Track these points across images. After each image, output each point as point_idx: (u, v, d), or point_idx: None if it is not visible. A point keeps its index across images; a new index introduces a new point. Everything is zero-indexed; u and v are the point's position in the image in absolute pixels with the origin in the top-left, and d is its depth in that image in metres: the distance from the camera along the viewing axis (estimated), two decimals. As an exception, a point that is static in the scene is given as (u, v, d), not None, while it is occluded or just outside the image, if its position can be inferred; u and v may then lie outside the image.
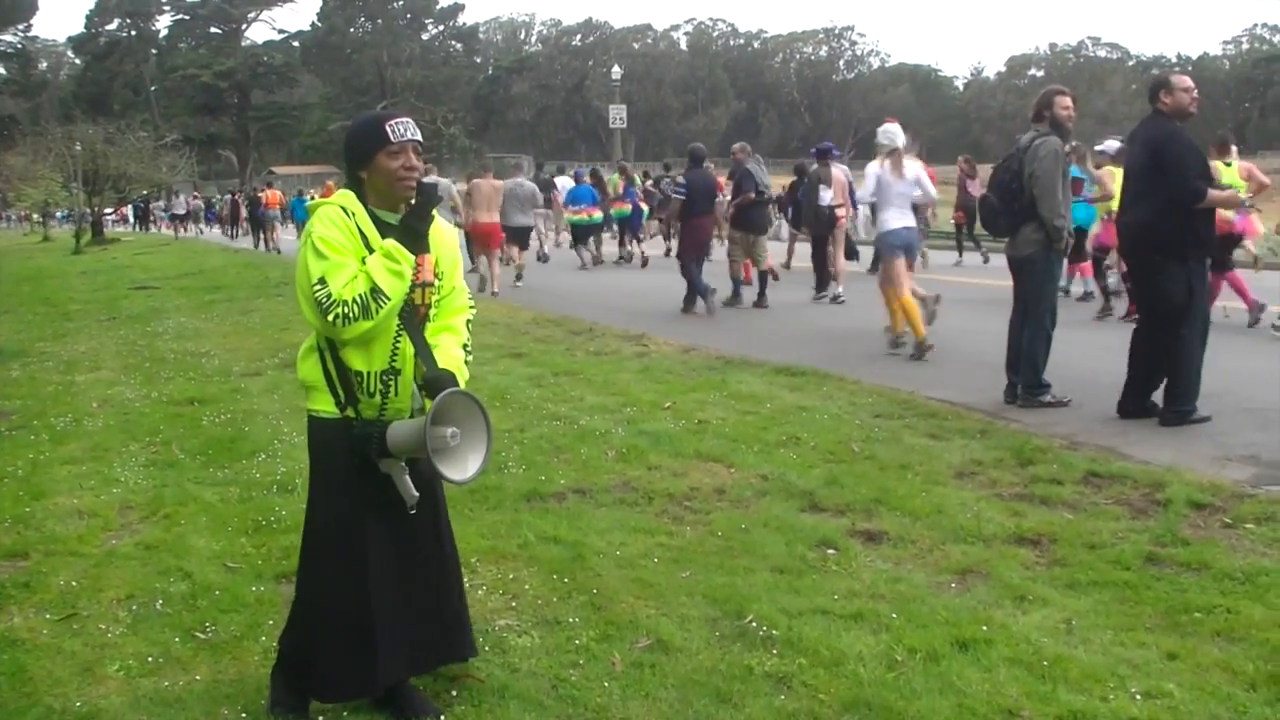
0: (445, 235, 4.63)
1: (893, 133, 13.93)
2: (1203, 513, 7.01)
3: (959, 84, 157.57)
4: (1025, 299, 10.46)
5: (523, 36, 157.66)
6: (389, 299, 4.21)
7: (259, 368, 13.53)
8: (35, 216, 74.41)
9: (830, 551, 6.51)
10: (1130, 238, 9.89)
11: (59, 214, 71.37)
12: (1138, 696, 4.66)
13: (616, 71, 69.57)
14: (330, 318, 4.15)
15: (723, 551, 6.55)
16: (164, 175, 59.71)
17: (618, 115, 60.44)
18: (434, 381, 4.34)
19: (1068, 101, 10.24)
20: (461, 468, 4.28)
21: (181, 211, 63.76)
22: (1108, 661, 4.99)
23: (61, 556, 6.87)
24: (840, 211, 19.21)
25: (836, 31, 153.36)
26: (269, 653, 5.22)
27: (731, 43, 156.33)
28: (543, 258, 29.42)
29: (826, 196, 19.11)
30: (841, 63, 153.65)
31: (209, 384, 12.59)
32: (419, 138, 4.43)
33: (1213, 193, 9.42)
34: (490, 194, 22.19)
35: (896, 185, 13.40)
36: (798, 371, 11.72)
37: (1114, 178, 15.01)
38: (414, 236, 4.32)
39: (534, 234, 26.73)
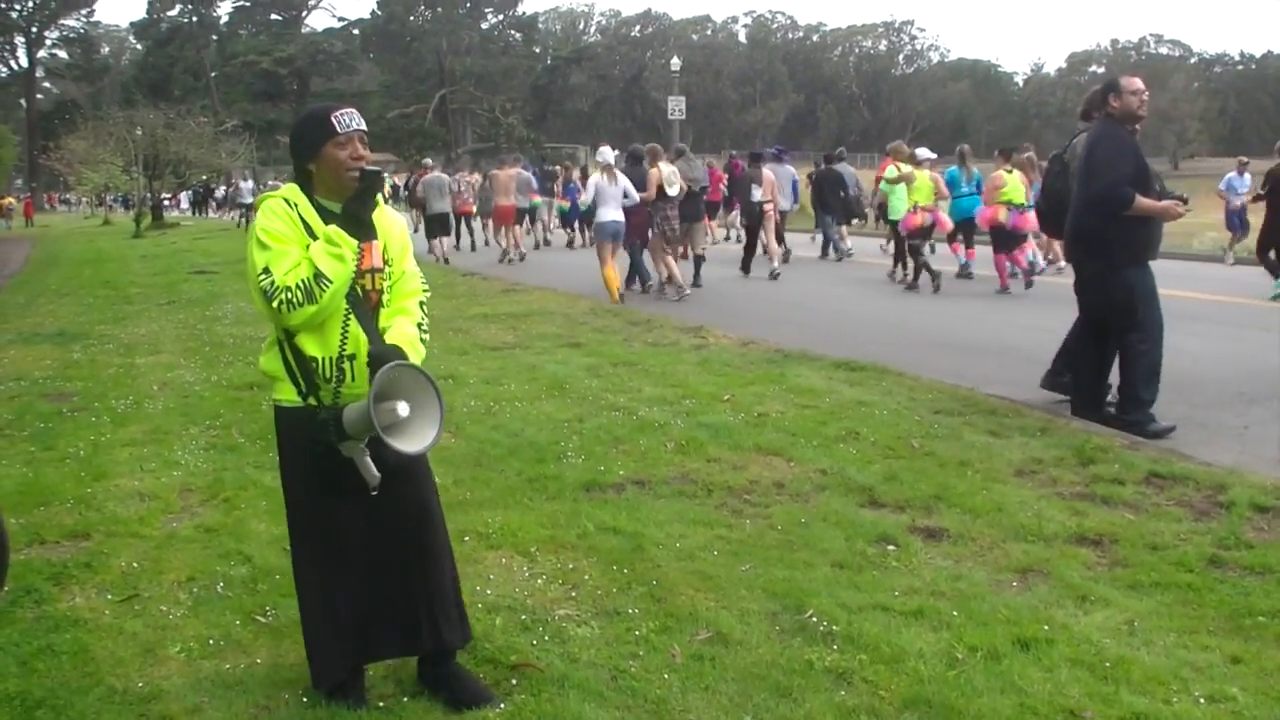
0: (393, 222, 4.71)
1: (605, 153, 19.58)
2: (1266, 515, 6.92)
3: (1019, 80, 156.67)
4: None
5: (581, 27, 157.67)
6: (331, 282, 4.26)
7: (317, 354, 13.56)
8: (86, 200, 74.87)
9: (890, 548, 6.48)
10: (1068, 242, 9.69)
11: (110, 198, 71.52)
12: (1201, 700, 4.62)
13: (676, 62, 69.52)
14: (275, 304, 4.23)
15: (782, 545, 6.53)
16: (223, 161, 60.05)
17: (676, 106, 60.27)
18: (376, 358, 4.35)
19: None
20: (420, 438, 4.29)
21: (248, 201, 51.39)
22: (1171, 664, 4.95)
23: (122, 538, 6.93)
24: (768, 207, 22.97)
25: (896, 25, 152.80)
26: (329, 639, 5.27)
27: (790, 35, 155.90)
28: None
29: (757, 194, 22.72)
30: (901, 57, 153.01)
31: (268, 369, 12.63)
32: (364, 128, 4.51)
33: (1145, 200, 9.00)
34: (505, 181, 28.51)
35: (609, 191, 18.82)
36: (857, 366, 11.65)
37: (919, 178, 20.11)
38: (355, 221, 4.38)
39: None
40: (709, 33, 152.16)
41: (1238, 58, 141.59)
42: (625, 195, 18.76)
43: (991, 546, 6.49)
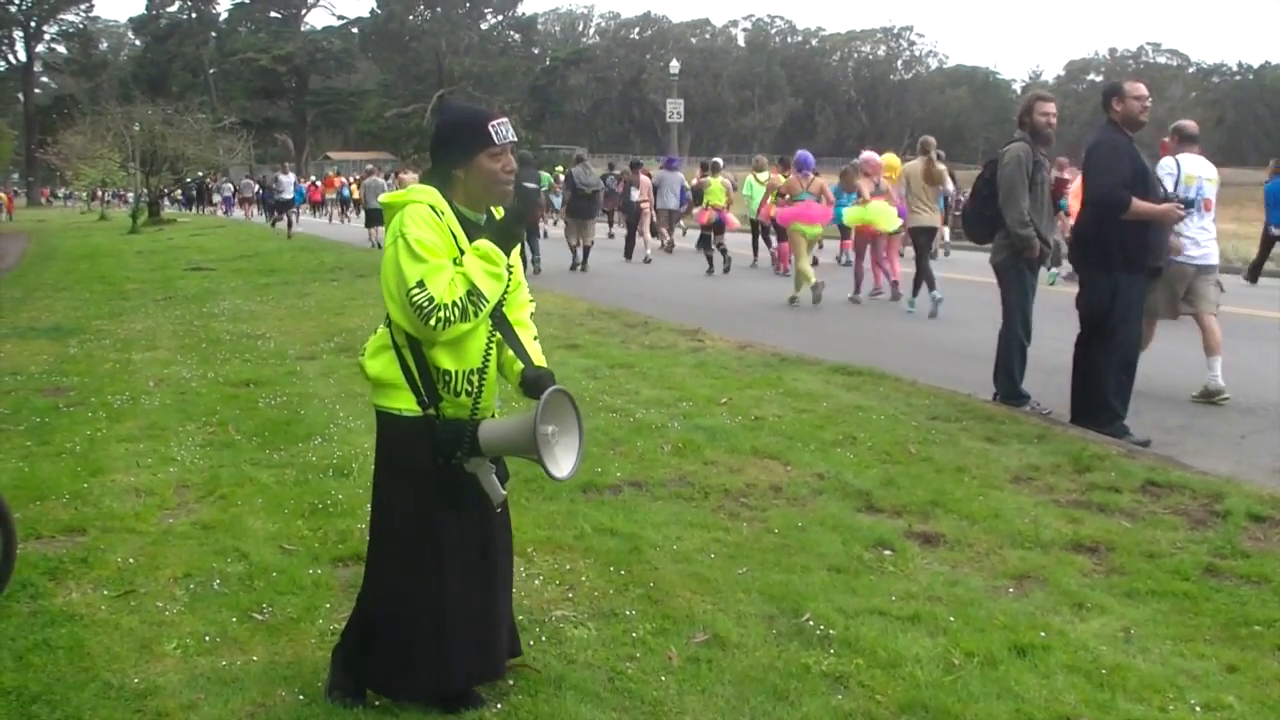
0: None
1: (370, 166, 28.46)
2: (1262, 525, 6.93)
3: (1016, 87, 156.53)
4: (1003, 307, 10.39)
5: (581, 28, 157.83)
6: (488, 301, 4.22)
7: (314, 351, 13.57)
8: (83, 195, 74.79)
9: (887, 552, 6.48)
10: (1071, 247, 9.69)
11: (105, 194, 71.22)
12: (1197, 708, 4.62)
13: (675, 65, 69.31)
14: (432, 321, 4.11)
15: (779, 549, 6.52)
16: (220, 157, 60.01)
17: (675, 109, 60.21)
18: (535, 380, 4.33)
19: (1048, 108, 10.08)
20: (560, 464, 4.25)
21: (288, 195, 43.62)
22: (1167, 672, 4.95)
23: (119, 533, 6.91)
24: (644, 205, 28.01)
25: (895, 31, 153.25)
26: (325, 635, 5.26)
27: (789, 40, 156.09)
28: None
29: (635, 195, 28.06)
30: (899, 63, 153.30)
31: (264, 366, 12.65)
32: (515, 139, 4.40)
33: (1141, 204, 8.99)
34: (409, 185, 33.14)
35: (372, 188, 28.20)
36: (854, 371, 11.63)
37: (713, 184, 26.03)
38: (509, 239, 4.31)
39: None
40: (708, 36, 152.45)
41: (1235, 68, 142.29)
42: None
43: (988, 553, 6.49)
